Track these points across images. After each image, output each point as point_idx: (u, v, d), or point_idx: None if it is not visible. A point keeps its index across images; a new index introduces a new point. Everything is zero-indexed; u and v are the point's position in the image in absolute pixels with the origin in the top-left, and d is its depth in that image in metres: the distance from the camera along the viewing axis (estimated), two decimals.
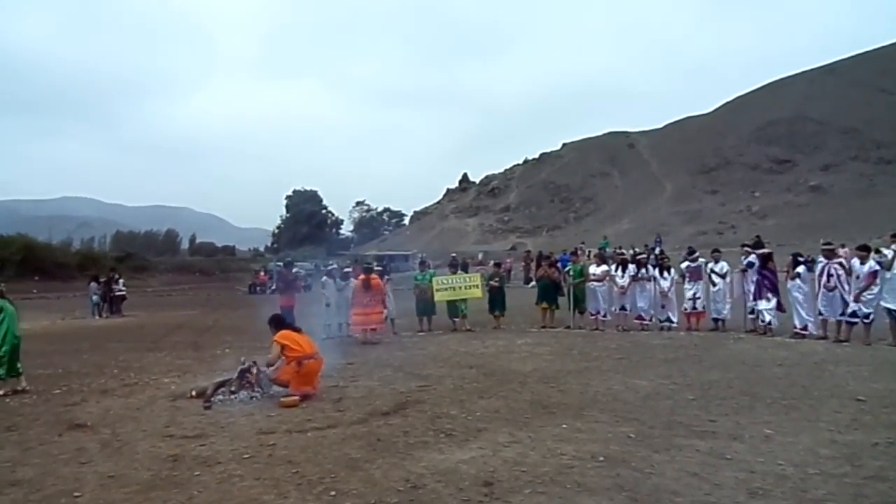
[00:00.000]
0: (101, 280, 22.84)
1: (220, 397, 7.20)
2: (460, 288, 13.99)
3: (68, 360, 11.17)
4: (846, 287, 10.52)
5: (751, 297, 12.02)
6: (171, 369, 9.75)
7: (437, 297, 13.85)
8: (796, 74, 79.71)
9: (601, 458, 4.79)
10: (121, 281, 23.90)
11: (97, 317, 21.50)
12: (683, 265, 13.29)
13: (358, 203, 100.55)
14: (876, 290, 10.25)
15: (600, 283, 13.38)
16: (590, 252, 24.36)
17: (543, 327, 13.61)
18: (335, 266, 15.19)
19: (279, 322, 7.98)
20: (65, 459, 5.21)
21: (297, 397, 7.08)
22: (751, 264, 12.06)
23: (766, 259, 12.00)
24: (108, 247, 70.43)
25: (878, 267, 10.29)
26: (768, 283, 11.70)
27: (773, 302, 11.59)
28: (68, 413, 6.93)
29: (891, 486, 4.13)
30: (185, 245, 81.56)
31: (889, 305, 10.04)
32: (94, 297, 22.19)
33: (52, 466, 5.05)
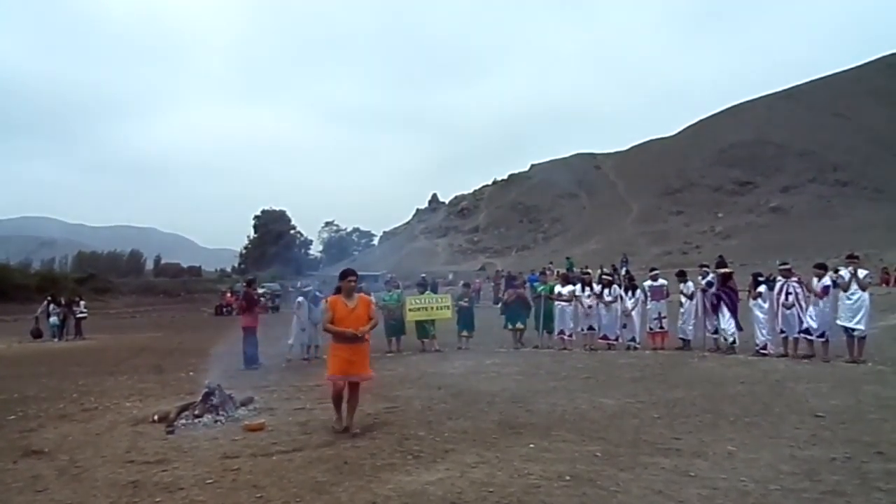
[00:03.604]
0: (63, 302, 22.29)
1: (184, 421, 7.05)
2: (432, 308, 14.02)
3: (25, 384, 10.82)
4: (803, 305, 10.84)
5: (711, 316, 12.30)
6: (132, 393, 9.51)
7: (410, 316, 13.84)
8: (756, 99, 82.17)
9: (568, 478, 4.81)
10: (82, 303, 23.34)
11: (56, 339, 20.92)
12: (646, 284, 13.51)
13: (327, 223, 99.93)
14: (828, 307, 10.59)
15: (567, 303, 13.52)
16: (557, 272, 24.60)
17: (517, 347, 13.67)
18: (311, 287, 14.87)
19: (341, 276, 6.83)
20: (19, 488, 5.04)
21: (263, 420, 6.98)
22: (710, 283, 12.34)
23: (725, 278, 12.31)
24: (69, 268, 68.70)
25: (829, 283, 10.66)
26: (729, 301, 11.99)
27: (732, 321, 11.87)
28: (24, 439, 6.69)
29: (848, 501, 4.23)
30: (149, 266, 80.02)
31: (845, 324, 10.36)
32: (53, 319, 21.61)
33: (5, 495, 4.88)
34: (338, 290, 6.76)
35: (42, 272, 54.45)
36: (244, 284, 14.12)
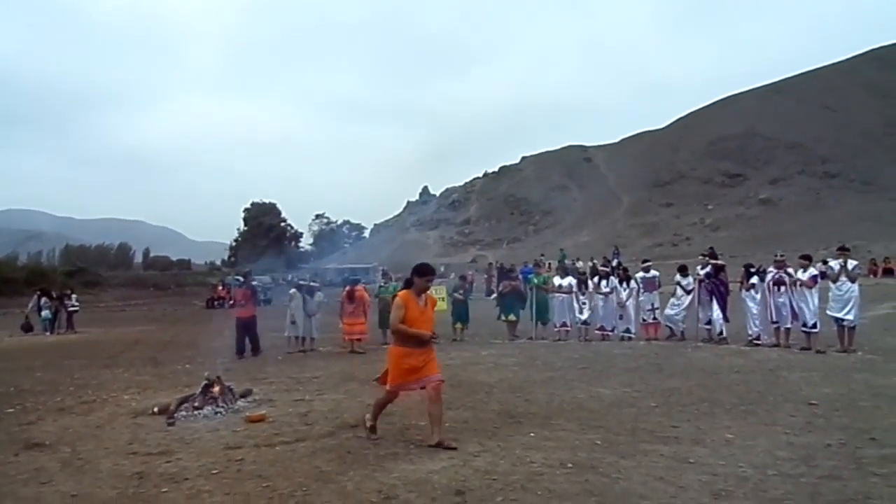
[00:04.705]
0: (55, 296, 22.18)
1: (184, 413, 7.07)
2: None
3: (20, 378, 10.78)
4: (794, 294, 10.98)
5: (705, 308, 12.44)
6: (130, 386, 9.51)
7: None
8: (746, 92, 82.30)
9: (570, 465, 4.88)
10: (74, 296, 23.22)
11: (48, 333, 20.82)
12: (639, 276, 13.62)
13: (317, 216, 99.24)
14: (816, 297, 10.74)
15: (567, 295, 13.63)
16: (550, 264, 24.74)
17: (511, 339, 13.76)
18: (306, 279, 14.98)
19: (414, 271, 5.91)
20: (24, 479, 5.05)
21: (264, 412, 7.02)
22: (708, 275, 12.46)
23: (717, 270, 12.44)
24: (56, 261, 68.19)
25: (816, 272, 10.83)
26: (718, 293, 12.15)
27: (720, 313, 12.04)
28: (24, 432, 6.68)
29: (844, 485, 4.33)
30: (138, 259, 79.56)
31: (835, 314, 10.51)
32: (45, 313, 21.49)
33: (10, 487, 4.89)
34: (406, 285, 5.95)
35: (30, 265, 54.11)
36: (239, 277, 14.19)
